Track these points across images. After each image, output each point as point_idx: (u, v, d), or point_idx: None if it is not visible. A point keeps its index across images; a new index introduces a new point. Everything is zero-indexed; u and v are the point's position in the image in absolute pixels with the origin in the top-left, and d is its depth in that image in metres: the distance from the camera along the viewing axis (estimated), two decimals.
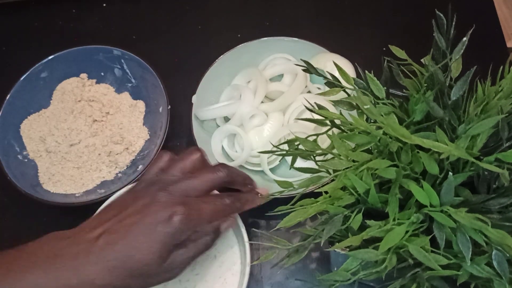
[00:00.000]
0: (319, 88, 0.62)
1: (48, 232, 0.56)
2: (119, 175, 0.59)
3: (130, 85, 0.65)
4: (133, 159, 0.60)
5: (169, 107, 0.59)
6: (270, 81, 0.63)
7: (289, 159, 0.57)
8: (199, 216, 0.42)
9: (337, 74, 0.43)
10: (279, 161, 0.59)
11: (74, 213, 0.53)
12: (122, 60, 0.64)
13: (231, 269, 0.52)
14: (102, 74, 0.65)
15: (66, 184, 0.58)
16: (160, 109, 0.61)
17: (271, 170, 0.58)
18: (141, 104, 0.63)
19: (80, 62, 0.64)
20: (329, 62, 0.55)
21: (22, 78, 0.61)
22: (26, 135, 0.61)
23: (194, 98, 0.59)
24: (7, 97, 0.60)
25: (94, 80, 0.65)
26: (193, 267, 0.52)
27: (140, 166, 0.58)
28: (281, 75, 0.63)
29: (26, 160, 0.59)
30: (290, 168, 0.51)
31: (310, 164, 0.55)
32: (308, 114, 0.59)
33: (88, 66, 0.65)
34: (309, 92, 0.62)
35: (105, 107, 0.63)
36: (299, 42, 0.62)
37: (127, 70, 0.64)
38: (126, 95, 0.64)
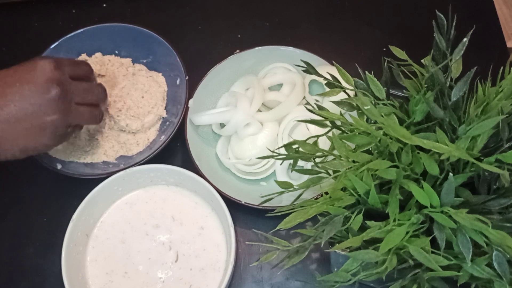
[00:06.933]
0: (317, 100, 0.60)
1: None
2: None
3: (145, 61, 0.66)
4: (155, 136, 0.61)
5: (187, 77, 0.60)
6: (269, 90, 0.62)
7: (280, 168, 0.57)
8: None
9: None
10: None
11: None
12: (140, 39, 0.65)
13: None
14: (116, 52, 0.66)
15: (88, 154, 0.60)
16: (178, 82, 0.62)
17: (262, 180, 0.58)
18: (158, 79, 0.64)
19: (95, 40, 0.65)
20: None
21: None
22: None
23: (190, 102, 0.59)
24: None
25: (109, 59, 0.66)
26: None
27: (162, 137, 0.59)
28: (280, 85, 0.62)
29: None
30: (292, 171, 0.51)
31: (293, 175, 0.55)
32: (304, 126, 0.59)
33: (102, 45, 0.66)
34: (307, 104, 0.60)
35: (121, 83, 0.64)
36: (301, 53, 0.60)
37: (146, 47, 0.65)
38: (141, 71, 0.65)
